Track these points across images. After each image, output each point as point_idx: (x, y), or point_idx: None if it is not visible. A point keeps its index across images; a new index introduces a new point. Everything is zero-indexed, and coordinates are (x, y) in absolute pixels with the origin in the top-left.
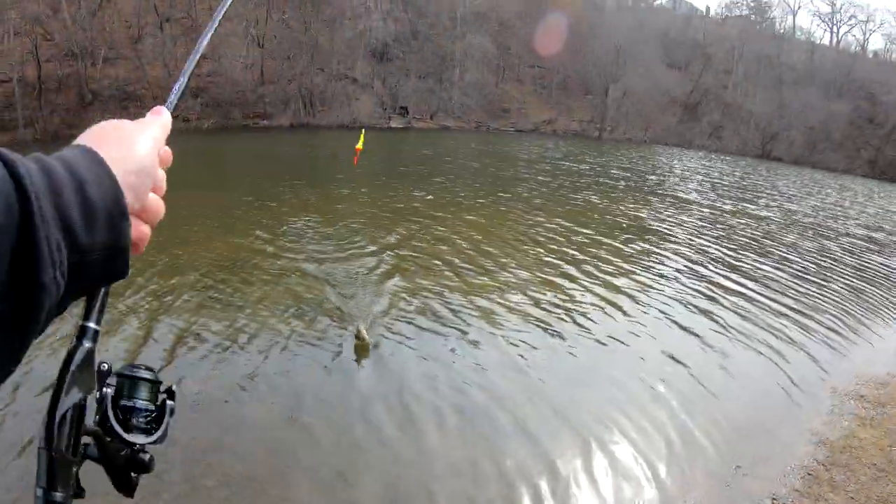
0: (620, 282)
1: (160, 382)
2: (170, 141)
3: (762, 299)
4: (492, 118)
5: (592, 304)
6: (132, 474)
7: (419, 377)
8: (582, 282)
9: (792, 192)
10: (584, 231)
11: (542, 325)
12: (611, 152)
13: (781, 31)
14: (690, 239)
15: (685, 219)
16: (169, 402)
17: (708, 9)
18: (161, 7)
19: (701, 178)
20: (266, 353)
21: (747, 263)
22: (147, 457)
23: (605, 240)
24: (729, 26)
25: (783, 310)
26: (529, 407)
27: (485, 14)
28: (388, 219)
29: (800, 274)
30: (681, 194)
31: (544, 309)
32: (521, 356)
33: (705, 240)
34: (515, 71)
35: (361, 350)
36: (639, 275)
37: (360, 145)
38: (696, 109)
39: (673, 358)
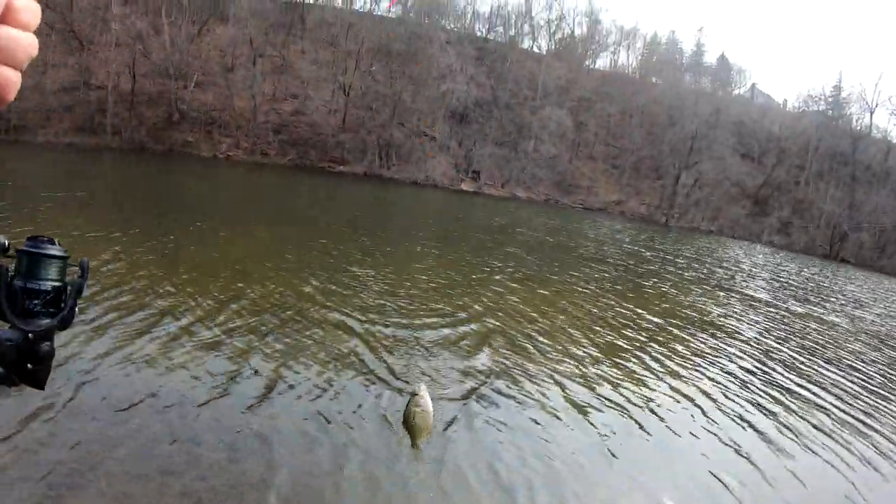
0: (690, 374)
1: (66, 258)
2: (247, 174)
3: (830, 407)
4: (561, 193)
5: (664, 394)
6: (28, 366)
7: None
8: (654, 370)
9: (861, 298)
10: (654, 319)
11: (615, 407)
12: (679, 240)
13: (858, 128)
14: (758, 338)
15: (753, 316)
16: (77, 281)
17: (785, 101)
18: (256, 43)
19: (768, 275)
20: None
21: (814, 368)
22: (45, 346)
23: (675, 330)
24: (805, 120)
25: (852, 421)
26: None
27: (565, 88)
28: (458, 283)
29: (868, 385)
30: (748, 291)
31: (617, 392)
32: (599, 438)
33: (772, 340)
34: (589, 148)
35: (419, 420)
36: (707, 369)
37: None
38: (765, 203)
39: (743, 456)
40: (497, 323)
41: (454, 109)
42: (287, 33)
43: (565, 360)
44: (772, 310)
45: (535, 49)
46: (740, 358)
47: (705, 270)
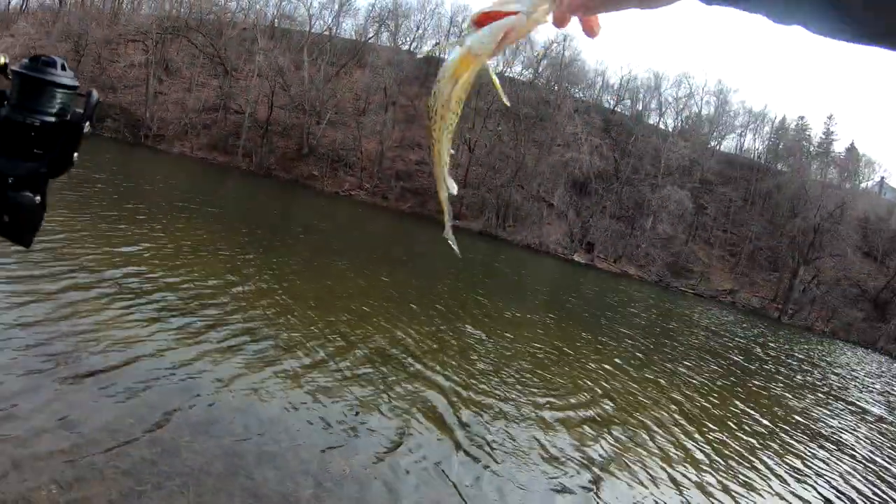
0: (800, 486)
1: (72, 87)
2: (368, 215)
3: None
4: (673, 275)
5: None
6: (4, 217)
7: None
8: (764, 476)
9: None
10: (764, 422)
11: None
12: (792, 339)
13: None
14: (871, 455)
15: (864, 431)
16: (76, 114)
17: None
18: (389, 91)
19: (883, 387)
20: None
21: None
22: (25, 196)
23: (785, 436)
24: None
25: None
26: None
27: (688, 168)
28: (567, 358)
29: None
30: (862, 403)
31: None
32: None
33: (885, 459)
34: (707, 232)
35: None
36: (816, 482)
37: None
38: (885, 307)
39: None
40: (603, 408)
41: (575, 178)
42: (420, 86)
43: (672, 454)
44: (886, 426)
45: (661, 125)
46: (851, 475)
47: (818, 375)
